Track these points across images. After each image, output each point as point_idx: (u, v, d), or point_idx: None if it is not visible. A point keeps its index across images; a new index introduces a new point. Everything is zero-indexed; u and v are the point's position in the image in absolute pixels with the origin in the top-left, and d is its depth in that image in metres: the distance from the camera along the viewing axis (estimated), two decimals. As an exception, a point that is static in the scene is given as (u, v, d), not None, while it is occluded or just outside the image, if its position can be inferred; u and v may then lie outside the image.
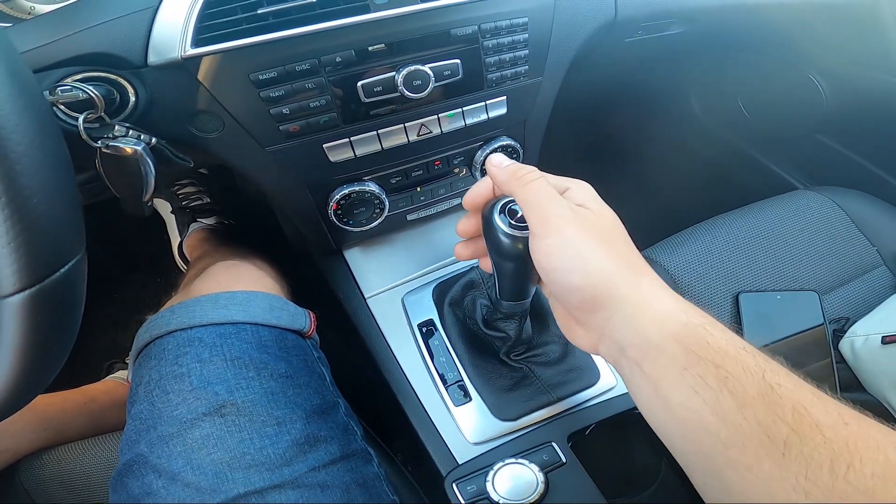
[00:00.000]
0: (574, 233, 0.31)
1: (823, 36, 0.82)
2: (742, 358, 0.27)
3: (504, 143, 0.57)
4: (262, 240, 0.75)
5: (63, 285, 0.26)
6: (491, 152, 0.57)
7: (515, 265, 0.38)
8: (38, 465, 0.54)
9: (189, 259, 0.86)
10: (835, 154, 0.92)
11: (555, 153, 0.90)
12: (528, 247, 0.35)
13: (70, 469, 0.54)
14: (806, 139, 0.96)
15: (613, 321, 0.30)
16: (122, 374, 0.75)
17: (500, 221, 0.37)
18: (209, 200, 0.90)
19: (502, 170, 0.36)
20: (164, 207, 0.90)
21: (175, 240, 0.89)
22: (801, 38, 0.82)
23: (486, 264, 0.42)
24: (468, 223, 0.41)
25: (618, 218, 0.34)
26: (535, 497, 0.42)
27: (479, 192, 0.39)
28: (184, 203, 0.88)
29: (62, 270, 0.25)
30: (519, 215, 0.36)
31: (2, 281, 0.24)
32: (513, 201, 0.37)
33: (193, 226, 0.86)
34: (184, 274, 0.89)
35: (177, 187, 0.89)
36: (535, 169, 0.35)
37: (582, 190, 0.35)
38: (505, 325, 0.49)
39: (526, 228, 0.35)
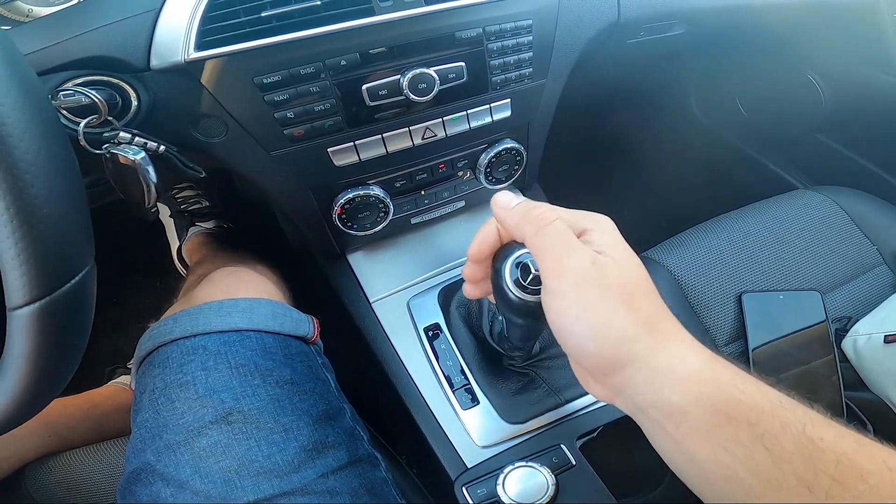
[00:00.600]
0: (592, 293, 0.28)
1: (822, 36, 0.82)
2: (779, 413, 0.26)
3: (508, 145, 0.57)
4: (261, 244, 0.75)
5: (73, 296, 0.25)
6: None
7: (525, 322, 0.37)
8: (43, 470, 0.54)
9: (188, 263, 0.86)
10: (834, 153, 0.92)
11: (557, 154, 0.90)
12: (540, 311, 0.31)
13: (75, 475, 0.54)
14: (805, 139, 0.96)
15: (633, 384, 0.28)
16: (124, 378, 0.74)
17: (510, 284, 0.33)
18: (208, 204, 0.89)
19: (510, 212, 0.32)
20: (162, 211, 0.90)
21: (174, 244, 0.88)
22: (799, 38, 0.83)
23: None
24: (474, 271, 0.37)
25: (641, 265, 0.30)
26: (545, 499, 0.41)
27: (484, 240, 0.35)
28: (182, 207, 0.87)
29: (72, 282, 0.25)
30: (533, 276, 0.32)
31: (11, 293, 0.24)
32: (527, 253, 0.33)
33: (192, 230, 0.86)
34: (183, 278, 0.89)
35: (175, 191, 0.88)
36: (549, 207, 0.31)
37: (602, 231, 0.30)
38: (514, 352, 0.50)
39: (538, 293, 0.32)
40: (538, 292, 0.32)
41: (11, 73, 0.22)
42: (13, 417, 0.28)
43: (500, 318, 0.50)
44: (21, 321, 0.25)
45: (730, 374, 0.28)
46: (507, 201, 0.33)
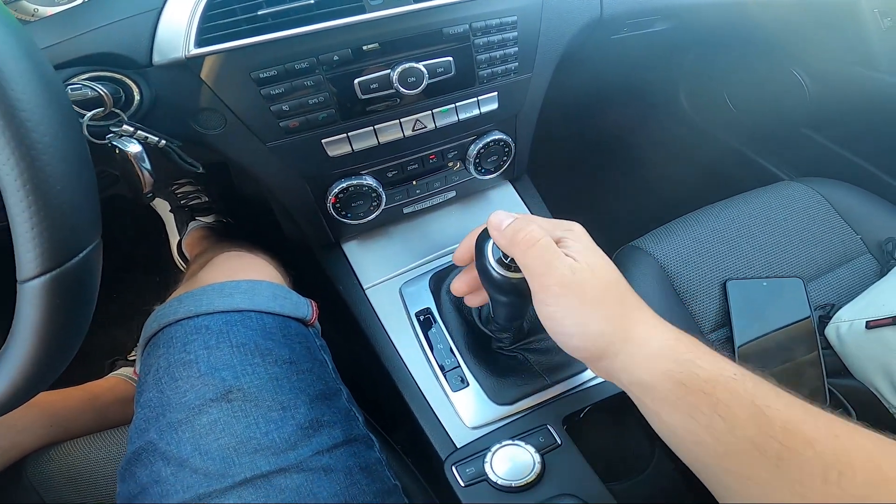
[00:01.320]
0: (572, 301, 0.33)
1: (804, 32, 0.84)
2: (731, 385, 0.30)
3: (496, 137, 0.58)
4: (259, 237, 0.77)
5: (81, 270, 0.27)
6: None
7: (510, 300, 0.40)
8: (44, 460, 0.55)
9: (188, 257, 0.88)
10: (819, 147, 0.94)
11: (549, 151, 0.92)
12: (523, 286, 0.36)
13: (77, 464, 0.55)
14: (791, 132, 0.98)
15: (615, 367, 0.34)
16: (124, 370, 0.76)
17: (493, 262, 0.38)
18: (207, 199, 0.91)
19: (502, 233, 0.36)
20: (162, 206, 0.92)
21: (174, 238, 0.90)
22: (782, 34, 0.84)
23: (473, 301, 0.45)
24: (463, 252, 0.43)
25: (610, 265, 0.36)
26: (531, 477, 0.43)
27: (468, 248, 0.42)
28: (182, 202, 0.89)
29: (81, 255, 0.27)
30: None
31: (23, 265, 0.26)
32: None
33: (192, 224, 0.88)
34: (183, 272, 0.91)
35: (175, 186, 0.90)
36: (534, 227, 0.35)
37: (576, 238, 0.36)
38: (501, 334, 0.51)
39: (519, 270, 0.36)
40: (519, 269, 0.36)
41: (30, 62, 0.24)
42: (23, 389, 0.29)
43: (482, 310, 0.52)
44: (32, 292, 0.26)
45: (690, 351, 0.32)
46: (498, 222, 0.37)
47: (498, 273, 0.37)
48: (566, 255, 0.35)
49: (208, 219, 0.89)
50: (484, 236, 0.39)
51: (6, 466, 0.53)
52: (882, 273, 0.71)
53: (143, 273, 1.00)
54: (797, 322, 0.65)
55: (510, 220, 0.37)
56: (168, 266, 0.94)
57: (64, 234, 0.26)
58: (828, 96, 0.89)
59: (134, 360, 0.79)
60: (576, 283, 0.33)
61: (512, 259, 0.36)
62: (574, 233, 0.36)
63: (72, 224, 0.26)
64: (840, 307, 0.67)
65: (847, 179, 0.82)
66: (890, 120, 0.81)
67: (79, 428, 0.61)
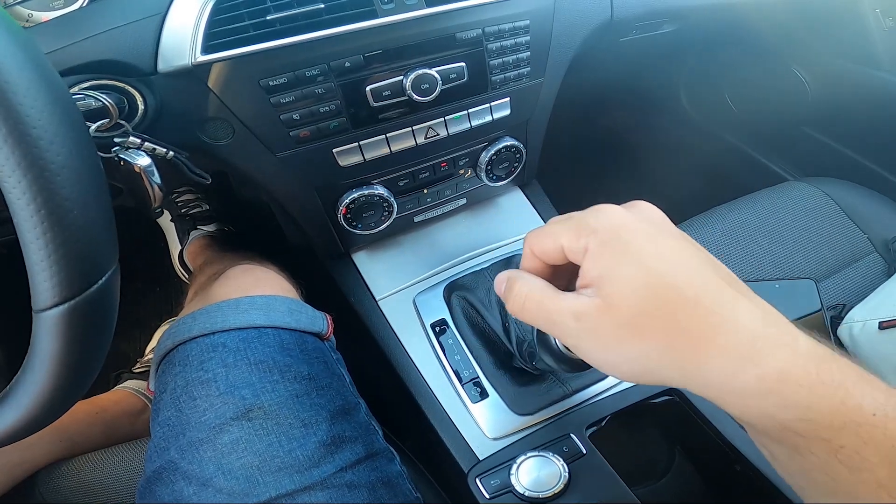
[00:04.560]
0: (591, 345, 0.27)
1: (806, 32, 0.84)
2: (865, 431, 0.22)
3: (508, 143, 0.58)
4: (261, 245, 0.75)
5: (99, 297, 0.26)
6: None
7: (565, 368, 0.37)
8: (56, 476, 0.54)
9: (190, 267, 0.86)
10: (821, 145, 0.94)
11: (556, 152, 0.91)
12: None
13: (89, 479, 0.54)
14: (792, 131, 0.98)
15: (689, 389, 0.26)
16: (129, 383, 0.74)
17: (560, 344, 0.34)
18: (208, 207, 0.89)
19: (502, 297, 0.31)
20: (163, 216, 0.90)
21: (175, 248, 0.88)
22: (784, 34, 0.85)
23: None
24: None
25: (646, 283, 0.25)
26: (559, 487, 0.42)
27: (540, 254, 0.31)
28: (183, 211, 0.87)
29: (98, 283, 0.25)
30: None
31: (39, 295, 0.24)
32: None
33: (194, 233, 0.86)
34: (185, 283, 0.89)
35: (175, 195, 0.88)
36: (522, 283, 0.29)
37: (601, 245, 0.26)
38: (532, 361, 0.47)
39: None
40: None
41: (40, 75, 0.23)
42: (40, 419, 0.28)
43: (516, 326, 0.49)
44: (49, 323, 0.25)
45: (793, 389, 0.23)
46: (497, 285, 0.32)
47: (564, 355, 0.34)
48: (579, 288, 0.27)
49: (210, 227, 0.87)
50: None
51: (17, 482, 0.53)
52: (890, 272, 0.72)
53: (143, 284, 0.98)
54: (809, 315, 0.65)
55: (504, 280, 0.30)
56: (169, 276, 0.92)
57: (82, 262, 0.24)
58: (829, 95, 0.89)
59: (140, 373, 0.78)
60: (585, 332, 0.26)
61: None
62: (599, 235, 0.26)
63: (90, 250, 0.24)
64: (850, 307, 0.67)
65: (849, 178, 0.82)
66: (891, 118, 0.82)
67: (87, 442, 0.60)
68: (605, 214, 0.27)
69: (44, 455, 0.55)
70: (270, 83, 0.43)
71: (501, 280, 0.31)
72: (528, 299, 0.29)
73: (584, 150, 1.27)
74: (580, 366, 0.35)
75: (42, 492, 0.53)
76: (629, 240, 0.26)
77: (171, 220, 0.88)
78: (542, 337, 0.36)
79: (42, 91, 0.22)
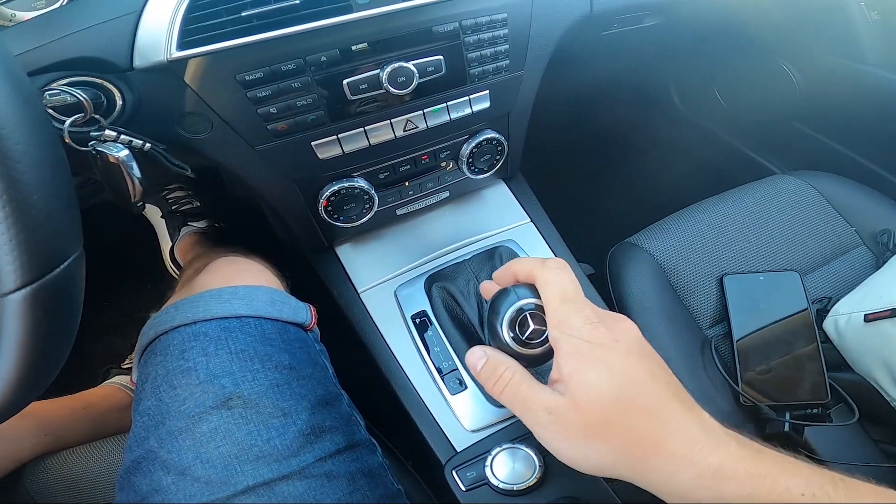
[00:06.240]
0: (557, 436, 0.31)
1: (792, 27, 0.84)
2: None
3: (489, 135, 0.58)
4: (251, 242, 0.76)
5: (63, 281, 0.26)
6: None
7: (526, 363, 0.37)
8: (42, 469, 0.54)
9: (181, 263, 0.86)
10: (809, 139, 0.94)
11: (542, 150, 0.91)
12: (536, 360, 0.35)
13: (75, 473, 0.54)
14: (782, 126, 0.99)
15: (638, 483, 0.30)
16: (118, 379, 0.75)
17: (509, 340, 0.35)
18: (199, 204, 0.90)
19: (478, 376, 0.35)
20: (153, 212, 0.90)
21: (166, 245, 0.89)
22: (770, 29, 0.85)
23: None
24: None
25: (616, 386, 0.29)
26: (533, 480, 0.43)
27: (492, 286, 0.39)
28: (174, 207, 0.88)
29: (62, 266, 0.26)
30: (532, 329, 0.34)
31: (3, 278, 0.25)
32: (527, 303, 0.35)
33: (184, 230, 0.87)
34: (175, 279, 0.89)
35: (166, 192, 0.89)
36: (503, 367, 0.33)
37: (562, 365, 0.31)
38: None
39: (534, 346, 0.34)
40: (537, 346, 0.34)
41: (0, 69, 0.24)
42: (10, 403, 0.29)
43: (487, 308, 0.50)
44: (12, 306, 0.25)
45: (726, 483, 0.27)
46: (473, 364, 0.35)
47: (514, 351, 0.35)
48: (554, 382, 0.31)
49: (201, 224, 0.88)
50: (496, 308, 0.36)
51: (2, 476, 0.53)
52: (878, 265, 0.71)
53: (134, 280, 0.99)
54: (795, 314, 0.65)
55: (483, 361, 0.34)
56: (160, 273, 0.93)
57: (44, 245, 0.25)
58: (817, 90, 0.89)
59: (128, 369, 0.79)
60: (553, 424, 0.30)
61: (528, 336, 0.34)
62: (560, 358, 0.31)
63: (51, 234, 0.25)
64: (837, 300, 0.67)
65: (838, 171, 0.82)
66: (879, 112, 0.82)
67: (73, 437, 0.61)
68: (579, 324, 0.31)
69: (29, 449, 0.55)
70: (247, 78, 0.43)
71: (479, 357, 0.35)
72: (509, 385, 0.33)
73: (575, 146, 1.27)
74: (532, 362, 0.35)
75: (28, 486, 0.53)
76: (601, 357, 0.30)
77: (162, 217, 0.89)
78: (493, 334, 0.36)
79: (2, 85, 0.23)
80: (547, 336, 0.33)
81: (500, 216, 0.66)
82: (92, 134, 0.39)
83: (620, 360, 0.30)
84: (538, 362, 0.35)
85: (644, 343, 0.33)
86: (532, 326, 0.34)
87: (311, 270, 0.64)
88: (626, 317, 0.33)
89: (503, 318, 0.35)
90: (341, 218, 0.55)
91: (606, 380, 0.30)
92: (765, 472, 0.28)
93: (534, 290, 0.35)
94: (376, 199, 0.55)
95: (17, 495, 0.54)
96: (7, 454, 0.54)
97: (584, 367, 0.30)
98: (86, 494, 0.54)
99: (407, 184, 0.58)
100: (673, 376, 0.32)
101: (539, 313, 0.34)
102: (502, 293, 0.36)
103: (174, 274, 0.90)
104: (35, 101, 0.26)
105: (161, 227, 0.89)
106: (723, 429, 0.30)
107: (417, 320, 0.54)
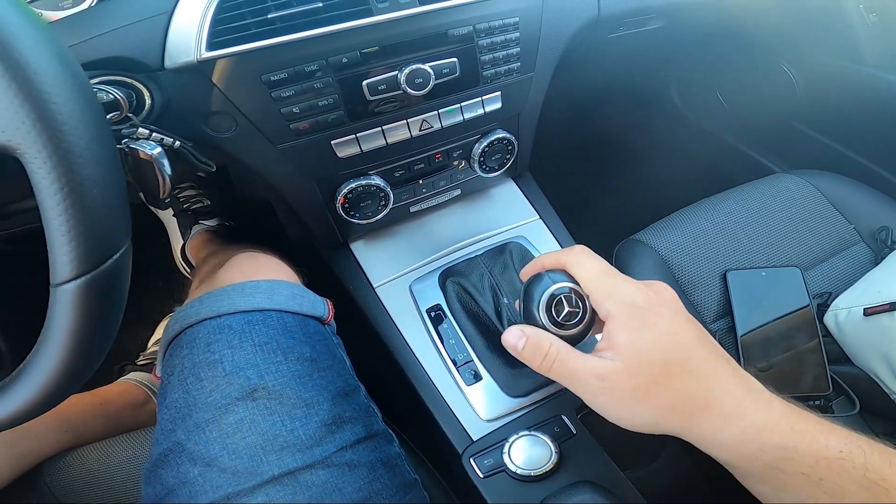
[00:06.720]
0: (608, 401, 0.33)
1: (792, 29, 0.86)
2: (837, 465, 0.29)
3: (500, 135, 0.59)
4: (262, 240, 0.77)
5: (113, 273, 0.27)
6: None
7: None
8: (61, 466, 0.55)
9: (192, 261, 0.87)
10: (809, 139, 0.96)
11: (550, 149, 0.93)
12: (577, 336, 0.37)
13: (94, 469, 0.55)
14: (782, 126, 1.00)
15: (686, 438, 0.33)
16: (133, 375, 0.76)
17: (546, 322, 0.37)
18: (209, 203, 0.91)
19: (521, 356, 0.37)
20: (164, 211, 0.91)
21: (177, 243, 0.90)
22: (770, 31, 0.86)
23: None
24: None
25: (660, 352, 0.32)
26: (549, 466, 0.44)
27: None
28: (185, 206, 0.89)
29: (113, 258, 0.27)
30: (566, 312, 0.36)
31: (58, 268, 0.26)
32: (560, 287, 0.37)
33: (196, 228, 0.88)
34: (187, 277, 0.90)
35: (177, 191, 0.90)
36: (544, 342, 0.36)
37: (611, 335, 0.34)
38: None
39: (570, 326, 0.36)
40: (572, 326, 0.36)
41: (65, 67, 0.25)
42: (55, 393, 0.29)
43: (509, 304, 0.52)
44: (66, 296, 0.27)
45: (781, 436, 0.30)
46: (514, 343, 0.37)
47: (550, 332, 0.37)
48: (601, 350, 0.34)
49: (211, 222, 0.89)
50: (535, 284, 0.38)
51: (22, 472, 0.53)
52: (876, 261, 0.73)
53: (146, 278, 1.00)
54: (797, 311, 0.67)
55: (522, 341, 0.36)
56: (171, 271, 0.94)
57: (98, 238, 0.26)
58: (817, 91, 0.91)
59: (143, 365, 0.79)
60: (605, 389, 0.33)
61: (564, 317, 0.36)
62: (609, 331, 0.34)
63: (106, 227, 0.26)
64: (837, 295, 0.69)
65: (837, 171, 0.83)
66: (877, 112, 0.84)
67: (91, 433, 0.61)
68: (629, 291, 0.34)
69: (49, 445, 0.56)
70: (271, 78, 0.45)
71: (517, 336, 0.37)
72: (557, 360, 0.35)
73: (581, 146, 1.29)
74: (567, 342, 0.37)
75: (48, 481, 0.53)
76: (652, 320, 0.33)
77: (174, 216, 0.90)
78: (529, 319, 0.38)
79: (67, 82, 0.25)
80: (580, 318, 0.35)
81: (510, 213, 0.67)
82: (124, 132, 0.40)
83: (668, 322, 0.33)
84: (572, 343, 0.37)
85: (681, 304, 0.36)
86: (567, 308, 0.36)
87: (321, 269, 0.66)
88: (659, 280, 0.36)
89: (539, 302, 0.37)
90: (357, 215, 0.57)
91: (658, 344, 0.33)
92: (806, 429, 0.30)
93: (565, 275, 0.37)
94: (392, 196, 0.57)
95: (36, 492, 0.54)
96: (28, 451, 0.54)
97: (639, 331, 0.33)
98: (104, 491, 0.54)
99: (421, 182, 0.60)
100: (714, 340, 0.35)
101: (573, 295, 0.37)
102: (535, 279, 0.38)
103: (185, 272, 0.91)
104: (94, 97, 0.27)
105: (172, 225, 0.90)
106: (767, 391, 0.33)
107: (432, 314, 0.56)
